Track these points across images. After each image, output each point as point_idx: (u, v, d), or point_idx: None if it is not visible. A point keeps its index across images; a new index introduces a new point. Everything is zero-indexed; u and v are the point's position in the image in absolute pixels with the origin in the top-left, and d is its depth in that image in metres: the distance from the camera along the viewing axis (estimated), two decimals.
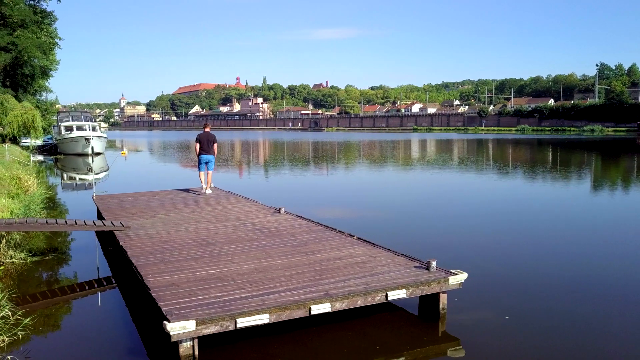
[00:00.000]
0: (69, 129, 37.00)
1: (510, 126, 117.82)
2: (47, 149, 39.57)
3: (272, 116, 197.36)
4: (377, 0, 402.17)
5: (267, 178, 23.87)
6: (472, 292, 7.01)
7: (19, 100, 54.70)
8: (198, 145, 13.00)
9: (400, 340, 5.62)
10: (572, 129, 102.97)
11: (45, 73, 66.48)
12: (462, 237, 10.56)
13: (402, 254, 6.93)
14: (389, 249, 7.21)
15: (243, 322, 4.85)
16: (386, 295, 5.55)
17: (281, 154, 42.67)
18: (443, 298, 6.03)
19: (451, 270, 6.12)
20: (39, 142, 41.24)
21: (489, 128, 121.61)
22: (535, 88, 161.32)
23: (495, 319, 6.20)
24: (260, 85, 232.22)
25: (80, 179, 24.53)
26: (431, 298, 6.06)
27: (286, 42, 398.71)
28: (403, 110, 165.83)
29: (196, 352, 4.82)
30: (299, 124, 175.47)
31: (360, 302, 5.45)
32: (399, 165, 30.50)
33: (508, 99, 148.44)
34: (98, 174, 27.09)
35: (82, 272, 8.20)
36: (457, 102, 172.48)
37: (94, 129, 37.89)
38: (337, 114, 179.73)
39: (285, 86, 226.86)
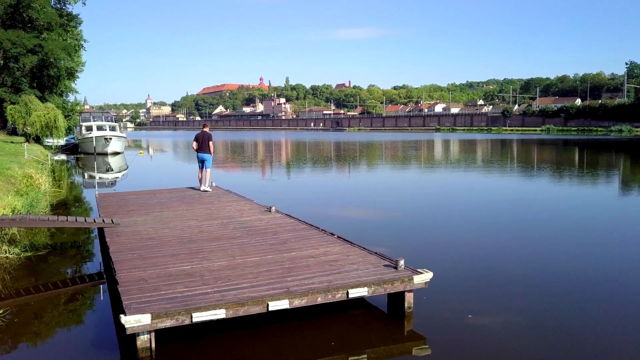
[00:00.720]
0: (89, 129, 37.91)
1: (535, 126, 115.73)
2: (69, 149, 40.59)
3: (294, 116, 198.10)
4: (402, 0, 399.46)
5: (288, 178, 24.00)
6: (446, 291, 7.04)
7: (45, 101, 56.32)
8: (195, 143, 13.52)
9: (365, 338, 5.66)
10: (600, 129, 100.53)
11: (71, 74, 68.22)
12: (462, 239, 10.52)
13: (376, 253, 6.96)
14: (364, 248, 7.25)
15: (199, 317, 4.96)
16: (347, 293, 5.59)
17: (302, 154, 42.82)
18: (409, 297, 6.04)
19: (418, 270, 6.12)
20: (62, 142, 42.35)
21: (512, 128, 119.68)
22: (561, 87, 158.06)
23: (463, 318, 6.19)
24: (283, 85, 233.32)
25: (100, 177, 25.12)
26: (398, 296, 6.09)
27: (310, 42, 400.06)
28: (426, 110, 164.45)
29: (153, 346, 4.96)
30: (321, 124, 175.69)
31: (320, 300, 5.51)
32: (419, 166, 30.23)
33: (533, 99, 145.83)
34: (118, 172, 27.75)
35: (74, 268, 8.45)
36: (481, 102, 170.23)
37: (113, 129, 38.71)
38: (359, 114, 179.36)
39: (307, 86, 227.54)
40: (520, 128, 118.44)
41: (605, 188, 19.09)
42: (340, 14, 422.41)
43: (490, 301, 6.81)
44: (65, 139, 42.75)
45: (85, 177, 25.41)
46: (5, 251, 8.51)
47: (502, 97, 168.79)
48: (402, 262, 6.22)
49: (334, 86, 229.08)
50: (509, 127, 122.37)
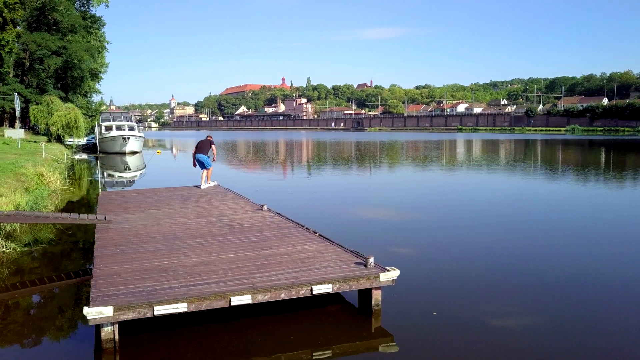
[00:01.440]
0: (108, 128, 38.77)
1: (560, 126, 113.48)
2: (89, 148, 41.55)
3: (315, 116, 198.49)
4: None
5: (309, 177, 24.18)
6: (421, 289, 7.09)
7: (70, 102, 57.73)
8: (195, 149, 14.24)
9: (334, 334, 5.74)
10: (627, 129, 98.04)
11: (95, 75, 69.82)
12: (452, 239, 10.51)
13: (351, 251, 7.02)
14: (341, 246, 7.32)
15: (160, 310, 5.11)
16: (311, 289, 5.68)
17: (322, 154, 42.89)
18: (376, 294, 6.10)
19: (386, 268, 6.17)
20: (83, 141, 43.37)
21: (536, 128, 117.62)
22: (587, 87, 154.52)
23: (431, 316, 6.22)
24: (304, 85, 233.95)
25: (119, 176, 25.70)
26: (367, 293, 6.14)
27: (332, 42, 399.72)
28: (448, 110, 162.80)
29: (116, 337, 5.13)
30: (342, 124, 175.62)
31: (284, 295, 5.61)
32: (439, 167, 29.91)
33: (558, 98, 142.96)
34: (136, 171, 28.34)
35: (67, 264, 8.72)
36: (504, 102, 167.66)
37: (132, 128, 39.49)
38: (380, 113, 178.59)
39: (329, 86, 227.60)
40: (544, 128, 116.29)
41: (627, 190, 18.69)
42: (363, 13, 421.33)
43: (471, 301, 6.82)
44: (86, 138, 43.75)
45: (105, 175, 26.01)
46: (2, 246, 8.83)
47: (526, 96, 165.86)
48: (371, 260, 6.27)
49: (355, 86, 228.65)
50: (532, 127, 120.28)
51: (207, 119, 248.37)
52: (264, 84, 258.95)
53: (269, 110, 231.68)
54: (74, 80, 57.72)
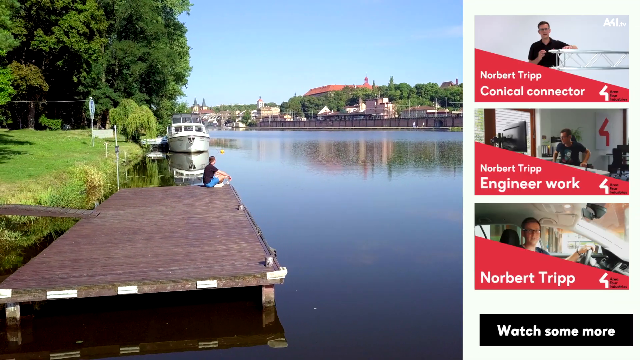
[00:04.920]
0: (178, 129, 41.48)
1: None
2: (161, 147, 44.72)
3: (396, 116, 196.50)
4: None
5: (390, 178, 24.74)
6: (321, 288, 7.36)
7: (152, 104, 62.29)
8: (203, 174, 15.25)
9: (225, 327, 6.18)
10: None
11: (179, 79, 74.67)
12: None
13: (270, 251, 7.35)
14: (266, 246, 7.66)
15: (52, 295, 5.83)
16: (196, 284, 6.13)
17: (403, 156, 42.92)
18: (267, 292, 6.42)
19: (280, 267, 6.46)
20: (159, 141, 46.75)
21: None
22: None
23: (325, 314, 6.45)
24: (387, 85, 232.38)
25: (186, 174, 27.67)
26: (259, 291, 6.49)
27: (416, 40, 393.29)
28: None
29: (18, 316, 5.92)
30: (423, 124, 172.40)
31: (169, 288, 6.11)
32: None
33: None
34: (200, 169, 30.26)
35: (31, 253, 9.78)
36: None
37: (199, 129, 41.94)
38: None
39: (412, 85, 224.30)
40: None
41: None
42: (449, 11, 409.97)
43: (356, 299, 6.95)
44: (161, 138, 47.07)
45: (174, 173, 28.07)
46: (3, 234, 10.13)
47: None
48: (270, 260, 6.59)
49: (439, 85, 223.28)
50: None
51: (291, 119, 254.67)
52: (346, 84, 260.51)
53: (350, 110, 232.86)
54: (156, 84, 62.23)
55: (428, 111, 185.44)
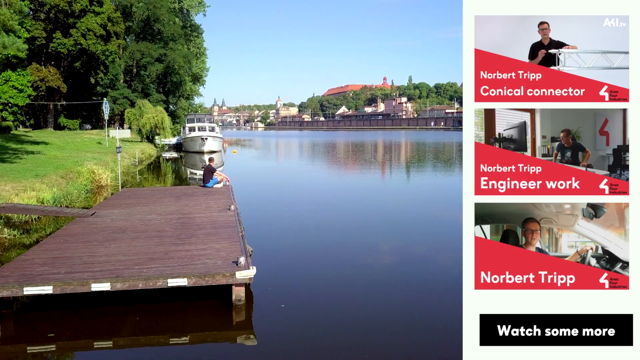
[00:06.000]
0: (191, 129, 42.04)
1: None
2: (175, 147, 45.40)
3: (414, 115, 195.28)
4: None
5: (408, 179, 25.06)
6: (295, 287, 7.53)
7: (169, 104, 63.16)
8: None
9: (198, 325, 6.39)
10: None
11: (197, 79, 75.65)
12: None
13: (252, 251, 7.53)
14: (245, 246, 7.84)
15: (28, 291, 6.11)
16: (167, 282, 6.35)
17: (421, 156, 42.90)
18: (237, 290, 6.59)
19: (251, 267, 6.63)
20: (174, 141, 47.45)
21: None
22: None
23: (297, 311, 6.63)
24: (405, 84, 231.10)
25: (199, 174, 28.10)
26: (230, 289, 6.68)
27: (435, 40, 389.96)
28: None
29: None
30: (442, 123, 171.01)
31: (141, 286, 6.34)
32: None
33: None
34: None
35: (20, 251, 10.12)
36: None
37: (212, 129, 42.43)
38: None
39: (431, 85, 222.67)
40: None
41: None
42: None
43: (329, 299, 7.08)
44: (176, 138, 47.76)
45: (188, 173, 28.51)
46: (2, 232, 10.52)
47: None
48: (242, 259, 6.78)
49: (459, 84, 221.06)
50: None
51: (309, 119, 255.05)
52: (365, 83, 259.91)
53: (368, 110, 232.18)
54: (173, 84, 63.14)
55: (447, 111, 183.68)
